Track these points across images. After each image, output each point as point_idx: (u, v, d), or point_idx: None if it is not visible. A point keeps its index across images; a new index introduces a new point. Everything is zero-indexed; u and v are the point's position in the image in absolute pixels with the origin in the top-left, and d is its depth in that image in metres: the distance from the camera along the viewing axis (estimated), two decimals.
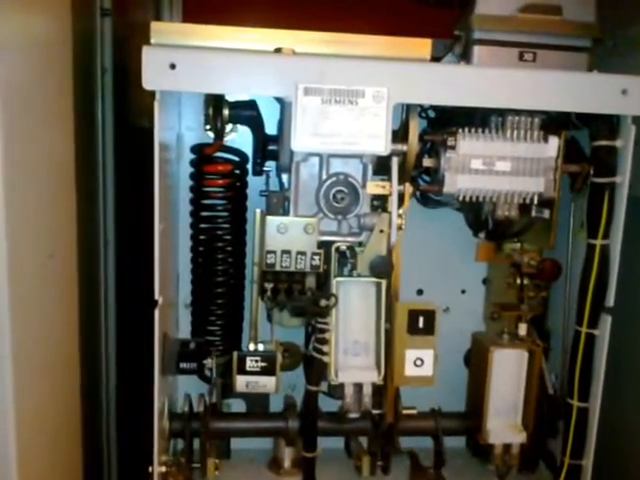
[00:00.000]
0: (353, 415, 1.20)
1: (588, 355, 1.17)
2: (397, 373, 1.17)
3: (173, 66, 0.98)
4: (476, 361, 1.34)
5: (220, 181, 1.21)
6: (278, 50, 1.05)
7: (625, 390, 1.27)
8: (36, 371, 0.93)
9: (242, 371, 1.19)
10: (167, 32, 1.07)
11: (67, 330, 1.09)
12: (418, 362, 1.16)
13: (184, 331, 1.32)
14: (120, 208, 1.27)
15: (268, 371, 1.19)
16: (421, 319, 1.15)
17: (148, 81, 0.98)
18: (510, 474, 1.30)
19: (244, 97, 1.17)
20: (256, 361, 1.18)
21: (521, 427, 1.29)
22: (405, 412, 1.23)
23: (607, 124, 1.11)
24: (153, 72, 0.98)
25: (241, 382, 1.19)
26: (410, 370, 1.17)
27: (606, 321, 1.15)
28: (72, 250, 1.09)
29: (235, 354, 1.19)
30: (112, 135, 1.23)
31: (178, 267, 1.32)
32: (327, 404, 1.24)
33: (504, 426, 1.28)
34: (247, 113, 1.17)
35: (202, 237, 1.24)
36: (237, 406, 1.35)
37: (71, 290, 1.09)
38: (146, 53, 0.97)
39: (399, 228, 1.11)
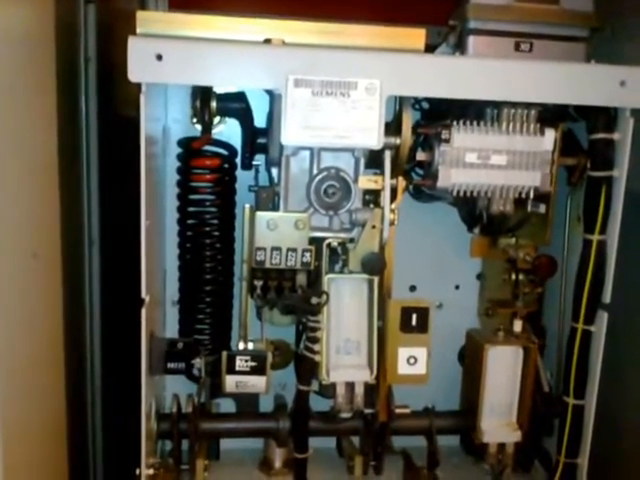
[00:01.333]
0: (345, 415, 1.18)
1: (584, 352, 1.17)
2: (390, 372, 1.16)
3: (160, 57, 0.95)
4: (470, 358, 1.33)
5: (208, 176, 1.19)
6: (268, 41, 1.02)
7: (621, 387, 1.25)
8: (20, 373, 0.91)
9: (231, 371, 1.16)
10: (154, 21, 1.03)
11: (51, 330, 1.06)
12: (411, 360, 1.15)
13: (171, 329, 1.30)
14: (105, 204, 1.24)
15: (258, 371, 1.16)
16: (414, 316, 1.14)
17: (134, 73, 0.95)
18: (505, 473, 1.29)
19: (233, 89, 1.14)
20: (246, 361, 1.16)
21: (516, 425, 1.27)
22: (398, 411, 1.22)
23: (605, 116, 1.09)
24: (139, 63, 0.95)
25: (230, 382, 1.17)
26: (403, 368, 1.16)
27: (602, 317, 1.14)
28: (56, 249, 1.06)
29: (224, 353, 1.17)
30: (96, 127, 1.20)
31: (165, 264, 1.30)
32: (318, 403, 1.22)
33: (499, 425, 1.27)
34: (236, 105, 1.15)
35: (190, 233, 1.22)
36: (226, 405, 1.33)
37: (55, 290, 1.07)
38: (132, 44, 0.95)
39: (391, 223, 1.10)
